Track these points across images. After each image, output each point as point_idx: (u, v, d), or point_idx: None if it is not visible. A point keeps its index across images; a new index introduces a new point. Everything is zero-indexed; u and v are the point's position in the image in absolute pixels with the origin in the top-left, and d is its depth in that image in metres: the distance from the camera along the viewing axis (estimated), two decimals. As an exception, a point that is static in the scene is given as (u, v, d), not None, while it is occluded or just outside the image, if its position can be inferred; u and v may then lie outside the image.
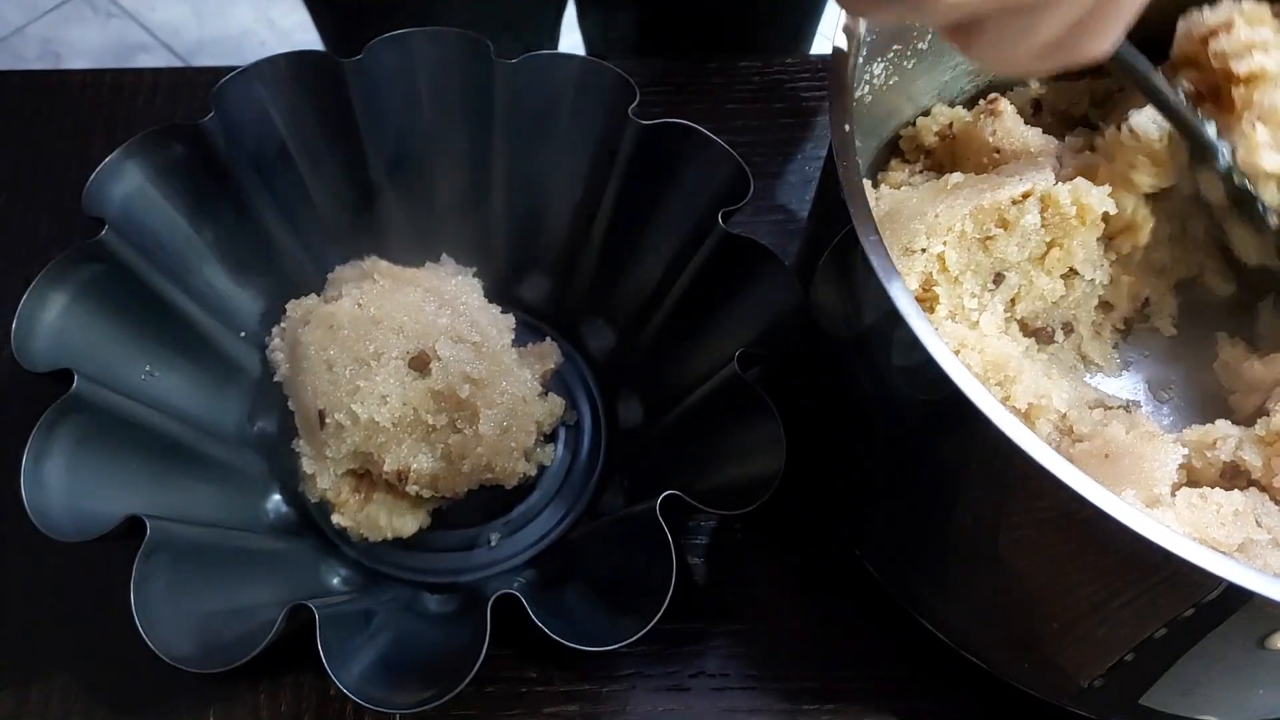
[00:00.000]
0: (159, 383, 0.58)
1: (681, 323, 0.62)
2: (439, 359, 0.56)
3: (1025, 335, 0.58)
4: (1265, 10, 0.57)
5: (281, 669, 0.56)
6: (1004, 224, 0.57)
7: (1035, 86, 0.67)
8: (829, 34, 0.50)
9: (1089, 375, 0.60)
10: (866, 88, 0.57)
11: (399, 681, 0.50)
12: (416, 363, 0.56)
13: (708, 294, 0.60)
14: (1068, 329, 0.59)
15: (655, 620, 0.48)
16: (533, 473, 0.59)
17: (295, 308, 0.61)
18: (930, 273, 0.56)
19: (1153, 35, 0.56)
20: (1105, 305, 0.61)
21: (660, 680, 0.57)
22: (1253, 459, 0.54)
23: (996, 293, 0.57)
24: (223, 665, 0.47)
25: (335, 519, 0.57)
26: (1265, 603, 0.37)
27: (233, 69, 0.59)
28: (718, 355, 0.57)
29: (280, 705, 0.56)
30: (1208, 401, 0.61)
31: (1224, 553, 0.38)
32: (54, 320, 0.53)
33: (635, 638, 0.48)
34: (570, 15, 0.97)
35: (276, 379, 0.60)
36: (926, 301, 0.56)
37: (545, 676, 0.56)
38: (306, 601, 0.47)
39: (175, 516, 0.54)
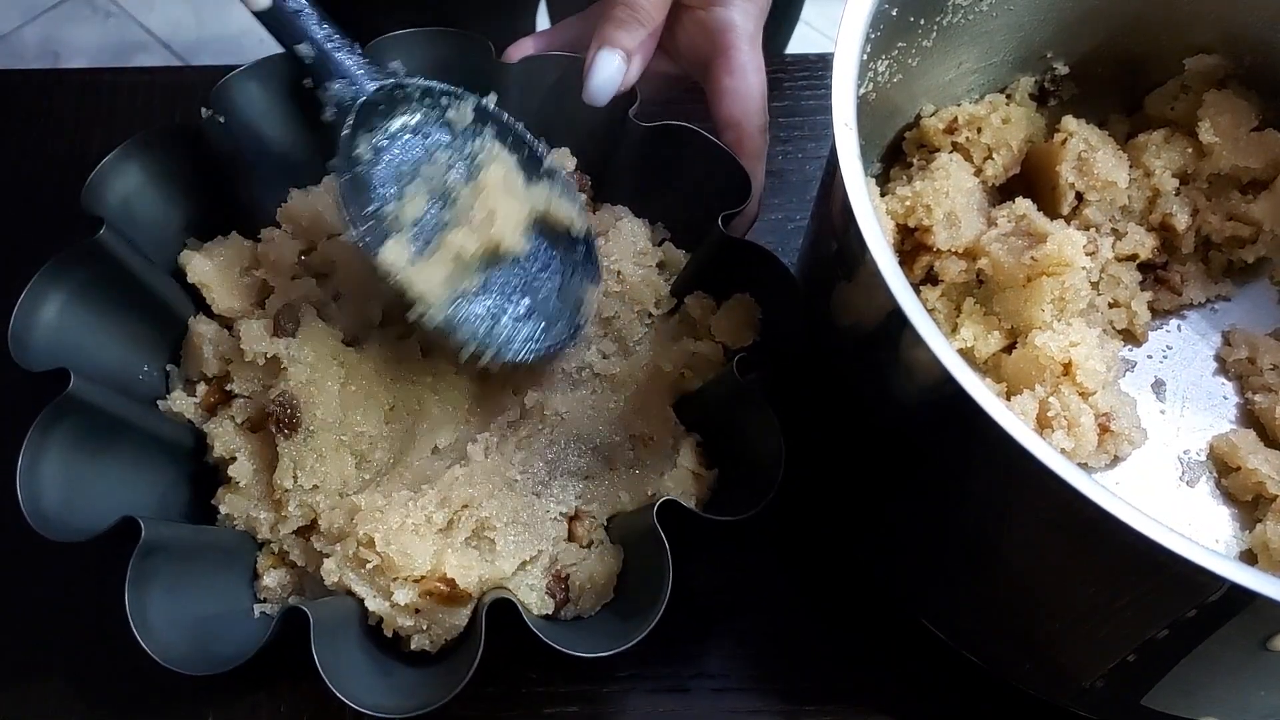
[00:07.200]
0: (156, 383, 0.58)
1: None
2: None
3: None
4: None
5: (280, 672, 0.55)
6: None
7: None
8: (829, 33, 0.50)
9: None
10: (870, 85, 0.57)
11: (396, 686, 0.50)
12: None
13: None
14: None
15: (650, 628, 0.47)
16: None
17: None
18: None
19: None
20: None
21: (660, 681, 0.56)
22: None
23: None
24: (219, 668, 0.47)
25: None
26: (1268, 604, 0.37)
27: (232, 68, 0.58)
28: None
29: (280, 706, 0.55)
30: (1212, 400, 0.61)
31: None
32: (52, 319, 0.53)
33: (628, 646, 0.47)
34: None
35: None
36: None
37: (545, 677, 0.56)
38: (299, 605, 0.47)
39: (172, 517, 0.54)
